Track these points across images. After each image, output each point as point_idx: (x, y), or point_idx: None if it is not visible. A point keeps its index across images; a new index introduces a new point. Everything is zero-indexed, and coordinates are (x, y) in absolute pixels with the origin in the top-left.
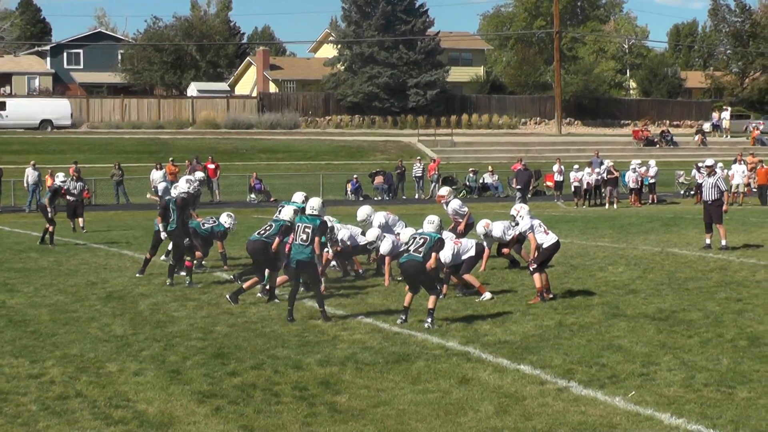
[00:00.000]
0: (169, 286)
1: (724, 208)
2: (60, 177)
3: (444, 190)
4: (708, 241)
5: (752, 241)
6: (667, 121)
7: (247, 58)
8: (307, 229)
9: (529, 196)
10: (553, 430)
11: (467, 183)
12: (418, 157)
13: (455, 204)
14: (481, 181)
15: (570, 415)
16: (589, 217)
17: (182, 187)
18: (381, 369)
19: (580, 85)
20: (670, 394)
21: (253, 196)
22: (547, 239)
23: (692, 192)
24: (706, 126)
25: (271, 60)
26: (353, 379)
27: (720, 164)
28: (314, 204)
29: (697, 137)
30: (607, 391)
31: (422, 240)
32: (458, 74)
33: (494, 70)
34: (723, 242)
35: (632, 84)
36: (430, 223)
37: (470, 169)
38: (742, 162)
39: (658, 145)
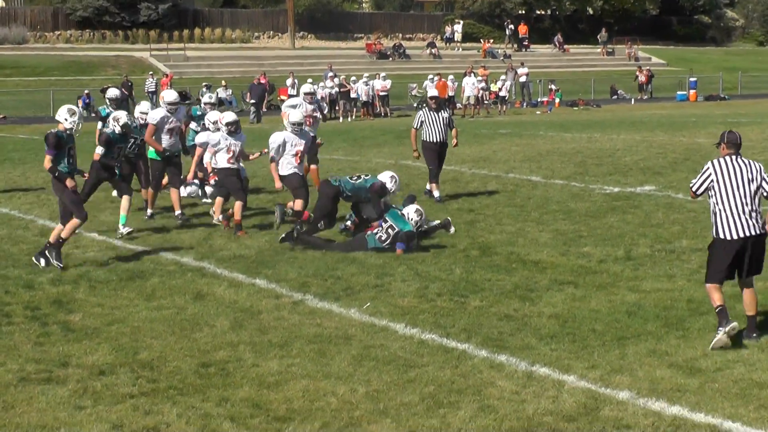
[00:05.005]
0: None
1: (454, 143)
2: None
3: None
4: (437, 193)
5: (483, 153)
6: (400, 35)
7: None
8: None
9: (264, 110)
10: (288, 342)
11: (200, 98)
12: (150, 72)
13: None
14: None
15: (305, 328)
16: (323, 130)
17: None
18: (115, 287)
19: None
20: (404, 304)
21: None
22: None
23: (424, 105)
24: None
25: None
26: (87, 298)
27: (451, 76)
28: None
29: (428, 50)
30: (342, 303)
31: None
32: None
33: None
34: (436, 193)
35: None
36: None
37: (204, 84)
38: (473, 74)
39: (391, 59)
